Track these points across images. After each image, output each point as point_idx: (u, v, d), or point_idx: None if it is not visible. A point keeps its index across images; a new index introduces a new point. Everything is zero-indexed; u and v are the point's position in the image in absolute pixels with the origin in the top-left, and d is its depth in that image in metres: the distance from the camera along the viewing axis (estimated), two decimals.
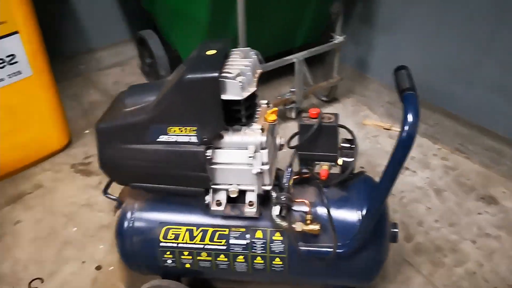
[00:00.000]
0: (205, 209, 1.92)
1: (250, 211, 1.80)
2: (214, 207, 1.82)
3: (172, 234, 1.94)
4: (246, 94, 1.63)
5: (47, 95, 2.79)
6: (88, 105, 3.83)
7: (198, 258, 1.94)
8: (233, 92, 1.61)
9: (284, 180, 1.86)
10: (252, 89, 1.68)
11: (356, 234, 1.72)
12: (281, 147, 1.82)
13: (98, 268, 2.27)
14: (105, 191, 2.01)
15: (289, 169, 1.88)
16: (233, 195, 1.80)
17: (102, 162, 1.83)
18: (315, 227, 1.79)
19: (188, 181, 1.82)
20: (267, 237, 1.88)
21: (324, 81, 3.34)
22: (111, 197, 2.01)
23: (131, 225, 1.96)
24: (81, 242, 2.44)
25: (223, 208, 1.81)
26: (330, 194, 1.92)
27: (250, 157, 1.70)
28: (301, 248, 1.79)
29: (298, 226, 1.80)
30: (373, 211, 1.65)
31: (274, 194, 1.85)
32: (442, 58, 3.07)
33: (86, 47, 4.23)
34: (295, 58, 2.86)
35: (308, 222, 1.82)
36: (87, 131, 3.21)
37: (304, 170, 1.76)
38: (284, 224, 1.78)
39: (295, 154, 1.90)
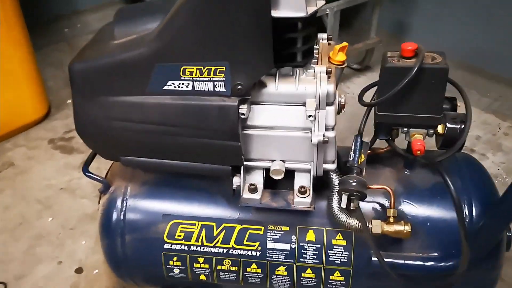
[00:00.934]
0: (231, 197, 1.33)
1: (302, 201, 1.16)
2: (246, 194, 1.16)
3: (182, 232, 1.35)
4: (311, 9, 0.95)
5: (20, 54, 2.48)
6: None
7: (219, 267, 1.35)
8: (292, 5, 0.93)
9: (351, 157, 1.17)
10: (321, 2, 1.00)
11: (473, 241, 1.07)
12: (341, 108, 1.13)
13: (79, 271, 1.88)
14: (85, 169, 1.34)
15: (358, 139, 1.19)
16: (277, 177, 1.18)
17: (80, 125, 1.18)
18: (404, 228, 1.12)
19: (208, 154, 1.22)
20: (323, 240, 1.29)
21: (359, 43, 2.62)
22: (94, 177, 1.33)
23: (121, 217, 1.33)
24: (59, 236, 2.03)
25: (259, 196, 1.17)
26: (418, 179, 1.26)
27: (309, 116, 1.02)
28: (384, 259, 1.21)
29: (377, 226, 1.13)
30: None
31: (335, 178, 1.17)
32: (503, 20, 2.42)
33: (70, 8, 3.82)
34: (328, 8, 2.17)
35: (392, 220, 1.14)
36: (69, 101, 2.76)
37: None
38: (353, 222, 1.16)
39: (366, 116, 1.22)
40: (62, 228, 2.06)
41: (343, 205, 1.19)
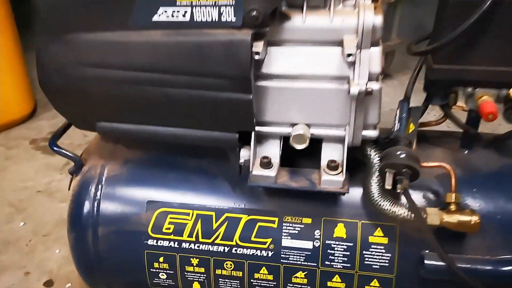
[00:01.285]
0: (237, 180, 1.03)
1: (332, 179, 0.87)
2: (257, 170, 0.86)
3: (171, 224, 1.03)
4: None
5: (5, 52, 2.32)
6: None
7: (218, 272, 1.01)
8: None
9: (395, 126, 0.86)
10: None
11: None
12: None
13: (48, 284, 1.59)
14: (53, 142, 1.03)
15: (405, 105, 0.88)
16: (299, 145, 0.91)
17: (44, 74, 0.93)
18: (472, 218, 0.79)
19: (209, 115, 0.92)
20: (356, 237, 0.99)
21: None
22: (64, 152, 1.01)
23: (95, 205, 1.02)
24: (29, 243, 1.78)
25: (274, 173, 0.84)
26: (481, 161, 1.01)
27: (348, 56, 0.73)
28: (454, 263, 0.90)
29: (434, 216, 0.80)
30: None
31: (374, 153, 0.92)
32: None
33: None
34: None
35: (453, 208, 0.81)
36: None
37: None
38: (399, 210, 0.90)
39: (416, 72, 0.92)
40: (34, 234, 1.80)
41: (388, 185, 0.86)
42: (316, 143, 0.93)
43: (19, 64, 2.41)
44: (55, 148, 1.09)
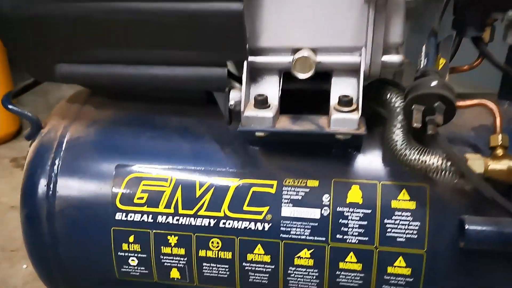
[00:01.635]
0: (225, 136, 0.86)
1: (344, 117, 0.66)
2: (250, 111, 0.67)
3: (144, 192, 0.84)
4: None
5: None
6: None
7: (202, 253, 0.80)
8: None
9: (422, 62, 0.68)
10: None
11: None
12: None
13: None
14: (6, 99, 0.84)
15: (432, 40, 0.72)
16: (303, 74, 0.74)
17: None
18: None
19: (189, 39, 0.76)
20: (376, 202, 0.79)
21: None
22: (17, 110, 0.82)
23: (53, 176, 0.89)
24: None
25: (271, 114, 0.62)
26: None
27: None
28: None
29: (478, 162, 0.60)
30: None
31: (395, 96, 0.79)
32: None
33: None
34: None
35: (500, 152, 0.60)
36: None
37: None
38: (431, 160, 0.71)
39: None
40: (1, 249, 1.69)
41: (416, 123, 0.66)
42: (325, 80, 0.74)
43: (5, 83, 2.31)
44: (9, 106, 0.89)
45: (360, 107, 0.71)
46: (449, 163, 0.70)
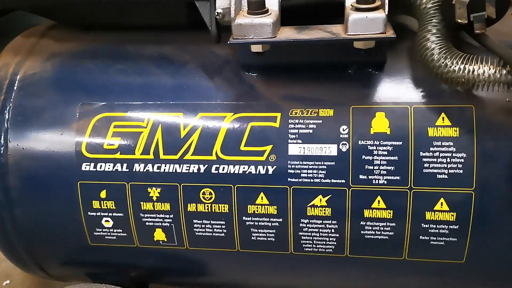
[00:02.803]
0: (214, 61, 0.71)
1: (367, 17, 0.45)
2: (243, 18, 0.46)
3: (116, 135, 0.69)
4: None
5: None
6: None
7: (191, 207, 0.67)
8: None
9: None
10: None
11: None
12: None
13: None
14: None
15: None
16: None
17: None
18: None
19: None
20: (408, 131, 0.62)
21: None
22: None
23: (4, 120, 0.73)
24: None
25: (271, 20, 0.42)
26: None
27: None
28: None
29: None
30: None
31: None
32: None
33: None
34: None
35: None
36: None
37: None
38: (482, 68, 0.56)
39: None
40: None
41: (460, 18, 0.49)
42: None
43: None
44: None
45: (387, 3, 0.54)
46: (504, 71, 0.52)
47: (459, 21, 0.54)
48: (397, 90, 0.63)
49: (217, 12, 0.61)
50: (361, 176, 0.62)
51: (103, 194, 0.69)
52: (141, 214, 0.69)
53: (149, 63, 0.71)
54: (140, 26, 0.76)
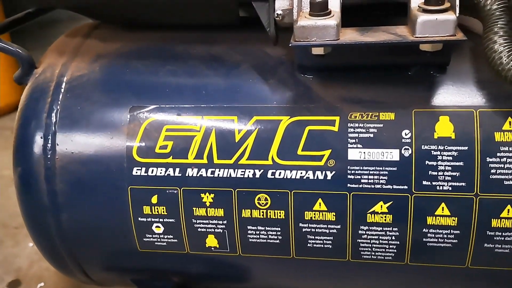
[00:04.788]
0: (269, 63, 0.72)
1: (436, 19, 0.50)
2: (305, 20, 0.51)
3: (169, 140, 0.71)
4: None
5: None
6: None
7: (245, 213, 0.70)
8: None
9: None
10: None
11: None
12: None
13: (14, 284, 1.29)
14: None
15: None
16: None
17: None
18: None
19: None
20: (474, 136, 0.64)
21: None
22: (6, 47, 0.66)
23: (51, 124, 0.75)
24: None
25: (335, 21, 0.46)
26: None
27: None
28: None
29: None
30: None
31: None
32: None
33: (67, 14, 3.30)
34: None
35: None
36: None
37: None
38: None
39: None
40: (3, 226, 1.58)
41: None
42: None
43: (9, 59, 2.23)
44: None
45: (457, 5, 0.55)
46: None
47: None
48: (461, 93, 0.65)
49: (276, 14, 0.62)
50: (424, 182, 0.64)
51: (154, 199, 0.71)
52: (193, 220, 0.71)
53: (200, 63, 0.73)
54: (187, 25, 0.78)
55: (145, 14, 0.76)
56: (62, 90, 0.75)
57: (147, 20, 0.78)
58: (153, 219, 0.72)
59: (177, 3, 0.72)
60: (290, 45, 0.60)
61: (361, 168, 0.65)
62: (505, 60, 0.59)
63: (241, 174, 0.68)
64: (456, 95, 0.65)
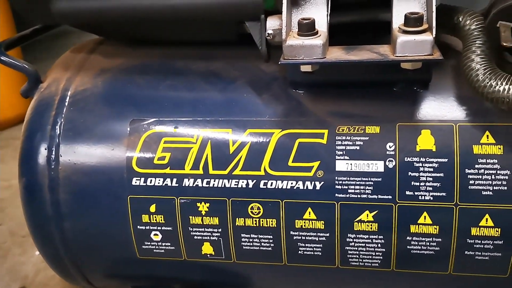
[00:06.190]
0: (263, 79, 0.80)
1: (415, 39, 0.60)
2: (293, 39, 0.60)
3: (167, 151, 0.79)
4: None
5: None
6: None
7: (239, 222, 0.77)
8: None
9: None
10: None
11: None
12: None
13: None
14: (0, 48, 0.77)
15: None
16: None
17: None
18: None
19: None
20: (453, 148, 0.71)
21: None
22: (13, 62, 0.75)
23: (55, 136, 0.83)
24: (3, 245, 1.58)
25: (321, 41, 0.56)
26: None
27: None
28: None
29: None
30: None
31: (470, 18, 0.72)
32: None
33: None
34: None
35: None
36: None
37: None
38: None
39: None
40: (12, 235, 1.65)
41: (506, 41, 0.58)
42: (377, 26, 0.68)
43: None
44: (1, 58, 0.82)
45: (434, 27, 0.63)
46: None
47: (505, 44, 0.63)
48: (442, 108, 0.72)
49: (267, 33, 0.70)
50: (407, 192, 0.71)
51: (152, 208, 0.78)
52: (189, 228, 0.78)
53: (199, 78, 0.81)
54: (188, 41, 0.86)
55: (148, 31, 0.84)
56: (66, 103, 0.82)
57: (150, 37, 0.86)
58: (151, 227, 0.79)
59: (179, 21, 0.79)
60: (279, 63, 0.68)
61: (348, 178, 0.72)
62: (481, 78, 0.66)
63: (235, 184, 0.75)
64: (438, 110, 0.72)
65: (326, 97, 0.75)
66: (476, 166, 0.69)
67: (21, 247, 1.56)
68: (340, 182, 0.72)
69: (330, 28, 0.70)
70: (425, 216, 0.71)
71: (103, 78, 0.83)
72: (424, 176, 0.70)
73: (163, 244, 0.79)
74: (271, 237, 0.76)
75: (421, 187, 0.70)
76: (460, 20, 0.71)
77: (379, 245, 0.73)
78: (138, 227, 0.79)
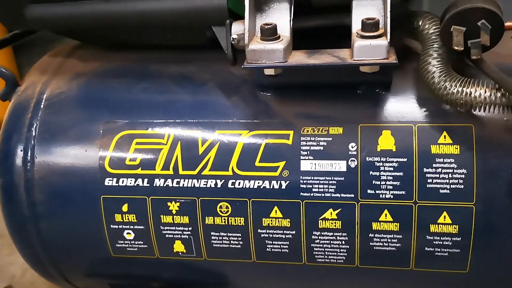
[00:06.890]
0: (231, 82, 0.85)
1: (371, 44, 0.66)
2: (256, 44, 0.66)
3: (138, 152, 0.83)
4: None
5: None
6: None
7: (209, 220, 0.81)
8: None
9: None
10: None
11: None
12: None
13: None
14: None
15: None
16: None
17: None
18: None
19: None
20: (412, 148, 0.75)
21: None
22: None
23: (31, 138, 0.87)
24: None
25: (282, 46, 0.62)
26: None
27: None
28: None
29: None
30: None
31: (428, 22, 0.77)
32: None
33: None
34: None
35: None
36: None
37: None
38: (478, 91, 0.70)
39: None
40: (1, 236, 1.63)
41: (457, 46, 0.62)
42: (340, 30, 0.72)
43: (10, 62, 2.36)
44: None
45: (389, 32, 0.68)
46: (499, 94, 0.66)
47: (456, 48, 0.67)
48: (402, 109, 0.76)
49: (232, 38, 0.75)
50: (369, 191, 0.75)
51: (125, 207, 0.82)
52: (161, 226, 0.82)
53: (171, 82, 0.85)
54: (163, 46, 0.90)
55: (122, 36, 0.88)
56: (42, 106, 0.87)
57: (125, 42, 0.91)
58: (124, 226, 0.83)
59: (154, 26, 0.84)
60: (242, 66, 0.72)
61: (312, 178, 0.77)
62: (437, 80, 0.71)
63: (204, 184, 0.80)
64: (398, 111, 0.77)
65: (292, 99, 0.79)
66: (434, 165, 0.73)
67: (9, 248, 1.57)
68: (304, 181, 0.76)
69: (299, 32, 0.74)
70: (386, 214, 0.75)
71: (79, 81, 0.87)
72: (384, 175, 0.74)
73: (136, 242, 0.84)
74: (240, 235, 0.80)
75: (381, 186, 0.74)
76: (420, 24, 0.75)
77: (343, 242, 0.77)
78: (112, 226, 0.83)
